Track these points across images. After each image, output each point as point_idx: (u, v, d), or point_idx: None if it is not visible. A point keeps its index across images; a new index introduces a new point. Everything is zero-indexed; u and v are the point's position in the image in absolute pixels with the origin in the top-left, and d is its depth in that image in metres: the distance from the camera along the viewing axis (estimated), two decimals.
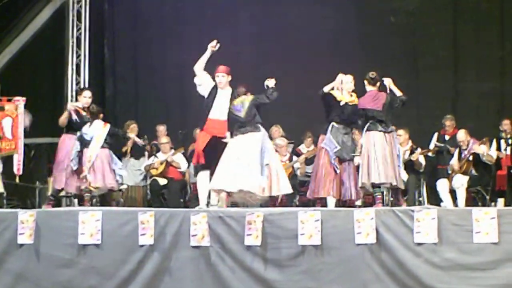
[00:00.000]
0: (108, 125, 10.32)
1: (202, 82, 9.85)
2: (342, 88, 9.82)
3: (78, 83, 14.25)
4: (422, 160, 11.64)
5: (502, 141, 11.12)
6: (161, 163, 11.86)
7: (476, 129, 11.51)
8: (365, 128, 9.62)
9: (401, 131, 11.19)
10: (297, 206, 11.07)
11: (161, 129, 12.49)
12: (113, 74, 14.66)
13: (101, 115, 10.45)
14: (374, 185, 9.56)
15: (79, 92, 11.69)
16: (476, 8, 13.80)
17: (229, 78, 9.81)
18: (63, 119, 10.44)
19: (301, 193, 11.14)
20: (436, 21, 13.87)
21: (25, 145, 11.39)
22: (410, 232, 8.76)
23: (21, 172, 11.02)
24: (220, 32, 11.47)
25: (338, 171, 9.65)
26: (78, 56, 14.35)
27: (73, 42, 14.28)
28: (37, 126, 11.48)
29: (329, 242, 8.85)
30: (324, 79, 9.88)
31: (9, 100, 10.82)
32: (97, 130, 10.18)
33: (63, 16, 14.39)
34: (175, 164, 11.88)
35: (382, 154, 9.46)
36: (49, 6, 14.45)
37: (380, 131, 9.55)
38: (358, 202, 10.52)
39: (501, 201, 10.72)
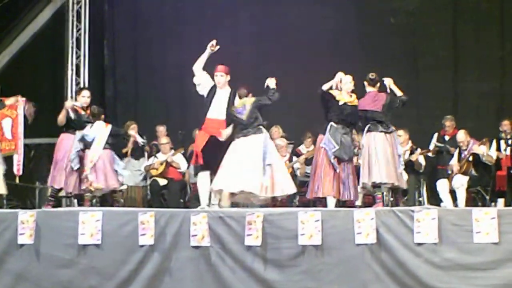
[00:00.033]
0: (110, 126, 10.31)
1: (201, 82, 9.85)
2: (341, 87, 9.80)
3: (78, 83, 14.26)
4: (422, 160, 11.64)
5: (502, 142, 11.10)
6: (161, 164, 11.86)
7: (476, 130, 11.50)
8: (366, 129, 9.62)
9: (401, 132, 11.17)
10: (297, 206, 11.08)
11: (161, 129, 12.48)
12: (113, 74, 14.66)
13: (103, 116, 10.42)
14: (374, 185, 9.57)
15: (77, 91, 11.70)
16: (476, 8, 13.79)
17: (228, 77, 9.80)
18: (61, 118, 10.40)
19: (301, 193, 11.12)
20: (436, 21, 13.86)
21: (25, 145, 11.40)
22: (410, 232, 8.75)
23: (21, 173, 11.03)
24: (220, 32, 11.48)
25: (338, 170, 9.63)
26: (78, 56, 14.36)
27: (73, 43, 14.30)
28: (37, 126, 11.47)
29: (329, 242, 8.84)
30: (324, 79, 9.84)
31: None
32: (99, 131, 10.17)
33: (63, 17, 14.41)
34: (175, 165, 11.88)
35: (384, 154, 9.47)
36: (49, 7, 14.47)
37: (381, 131, 9.56)
38: (358, 202, 10.52)
39: (501, 201, 10.70)
